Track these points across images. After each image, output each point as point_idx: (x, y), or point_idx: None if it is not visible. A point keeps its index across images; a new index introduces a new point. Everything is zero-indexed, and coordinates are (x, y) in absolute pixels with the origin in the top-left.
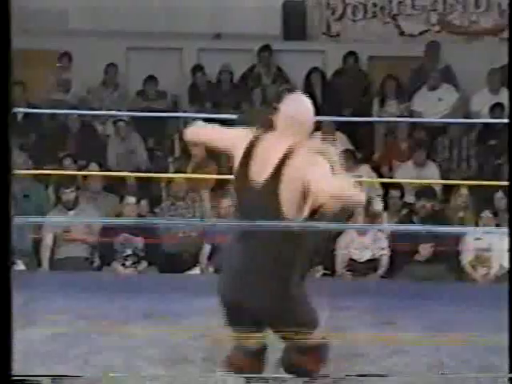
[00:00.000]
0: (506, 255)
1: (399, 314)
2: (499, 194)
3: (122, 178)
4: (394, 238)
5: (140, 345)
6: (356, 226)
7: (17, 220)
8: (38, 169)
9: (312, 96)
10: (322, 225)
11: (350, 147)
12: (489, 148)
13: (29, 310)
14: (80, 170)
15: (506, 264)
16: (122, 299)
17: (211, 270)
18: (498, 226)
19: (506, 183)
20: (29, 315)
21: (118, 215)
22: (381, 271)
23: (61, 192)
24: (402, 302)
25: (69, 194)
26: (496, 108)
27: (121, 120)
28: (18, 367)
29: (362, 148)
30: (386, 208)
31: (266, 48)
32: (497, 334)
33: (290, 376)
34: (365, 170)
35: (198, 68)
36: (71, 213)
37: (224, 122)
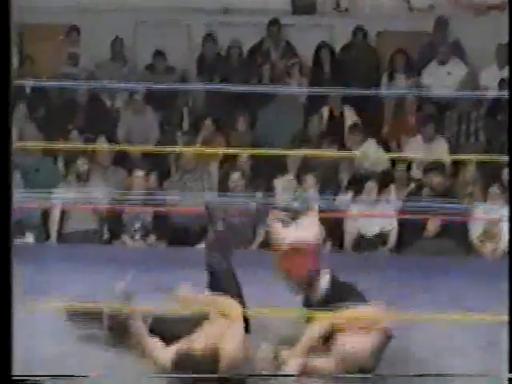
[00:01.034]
0: None
1: (407, 289)
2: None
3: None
4: (402, 212)
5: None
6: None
7: (26, 194)
8: (47, 142)
9: (320, 71)
10: None
11: (358, 122)
12: (497, 123)
13: (38, 282)
14: (88, 143)
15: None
16: (131, 272)
17: None
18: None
19: None
20: (38, 287)
21: (127, 189)
22: (389, 246)
23: (72, 164)
24: (411, 277)
25: (82, 166)
26: (504, 83)
27: (136, 93)
28: (29, 343)
29: (370, 123)
30: (393, 182)
31: (274, 22)
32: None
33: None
34: (372, 144)
35: (208, 38)
36: (80, 185)
37: (231, 96)
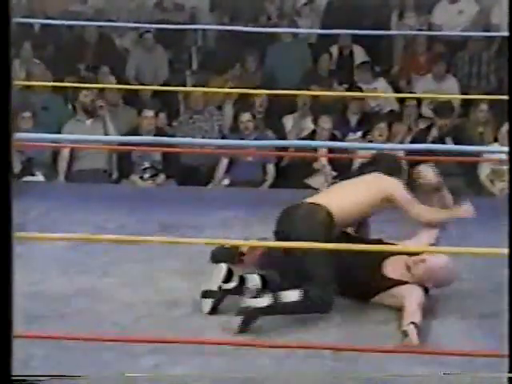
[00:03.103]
0: None
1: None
2: None
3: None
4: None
5: (158, 256)
6: (372, 146)
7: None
8: (56, 81)
9: (330, 8)
10: None
11: (368, 60)
12: (509, 62)
13: (47, 220)
14: (97, 82)
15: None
16: (140, 212)
17: (227, 182)
18: None
19: None
20: (47, 226)
21: (136, 128)
22: None
23: (78, 96)
24: None
25: (86, 97)
26: None
27: (148, 32)
28: (38, 276)
29: (380, 61)
30: (402, 121)
31: None
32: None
33: None
34: (381, 83)
35: None
36: (89, 122)
37: (241, 36)
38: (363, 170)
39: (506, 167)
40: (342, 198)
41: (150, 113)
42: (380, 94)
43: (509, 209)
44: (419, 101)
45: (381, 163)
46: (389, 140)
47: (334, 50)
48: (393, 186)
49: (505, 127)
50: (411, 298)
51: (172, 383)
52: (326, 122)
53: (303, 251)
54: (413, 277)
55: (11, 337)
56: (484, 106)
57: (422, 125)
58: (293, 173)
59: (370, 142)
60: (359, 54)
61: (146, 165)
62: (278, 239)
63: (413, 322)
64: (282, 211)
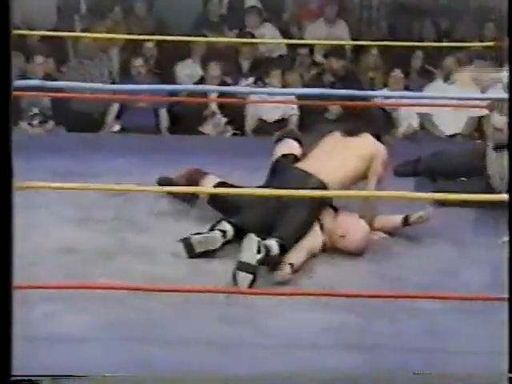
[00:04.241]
0: (414, 115)
1: None
2: (418, 54)
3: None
4: (303, 97)
5: (50, 203)
6: (266, 91)
7: None
8: None
9: None
10: None
11: (258, 5)
12: (399, 9)
13: None
14: None
15: (414, 123)
16: (30, 159)
17: (117, 128)
18: (406, 87)
19: (418, 44)
20: None
21: (25, 74)
22: None
23: None
24: None
25: None
26: None
27: None
28: None
29: (270, 6)
30: (293, 68)
31: None
32: None
33: None
34: (269, 28)
35: None
36: None
37: None
38: (351, 126)
39: (396, 113)
40: (335, 168)
41: (39, 58)
42: (272, 40)
43: (509, 208)
44: (311, 46)
45: (369, 121)
46: (283, 86)
47: None
48: (380, 155)
49: (395, 72)
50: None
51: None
52: (214, 70)
53: None
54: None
55: (11, 337)
56: (374, 51)
57: (314, 70)
58: (186, 119)
59: (263, 87)
60: None
61: (35, 111)
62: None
63: (290, 263)
64: (274, 171)
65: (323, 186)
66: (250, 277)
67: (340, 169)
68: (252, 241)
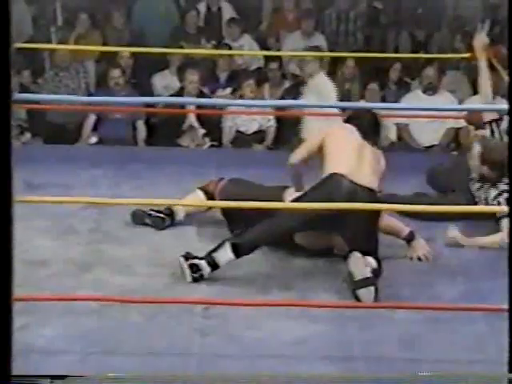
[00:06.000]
0: (392, 126)
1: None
2: (396, 66)
3: None
4: (280, 109)
5: (27, 215)
6: (243, 103)
7: None
8: None
9: None
10: None
11: (235, 16)
12: (376, 21)
13: None
14: None
15: (392, 135)
16: None
17: (94, 140)
18: (383, 98)
19: (394, 55)
20: None
21: None
22: (267, 142)
23: None
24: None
25: None
26: None
27: None
28: None
29: (248, 18)
30: (268, 80)
31: None
32: None
33: None
34: (247, 40)
35: None
36: None
37: None
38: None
39: None
40: (364, 170)
41: (13, 70)
42: (250, 52)
43: (509, 210)
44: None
45: (362, 123)
46: (258, 97)
47: (202, 6)
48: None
49: (372, 85)
50: None
51: None
52: (193, 75)
53: None
54: None
55: (11, 337)
56: (351, 63)
57: (290, 82)
58: (163, 131)
59: (241, 98)
60: (227, 10)
61: (11, 123)
62: None
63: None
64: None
65: (374, 195)
66: (372, 288)
67: (372, 175)
68: (358, 258)
